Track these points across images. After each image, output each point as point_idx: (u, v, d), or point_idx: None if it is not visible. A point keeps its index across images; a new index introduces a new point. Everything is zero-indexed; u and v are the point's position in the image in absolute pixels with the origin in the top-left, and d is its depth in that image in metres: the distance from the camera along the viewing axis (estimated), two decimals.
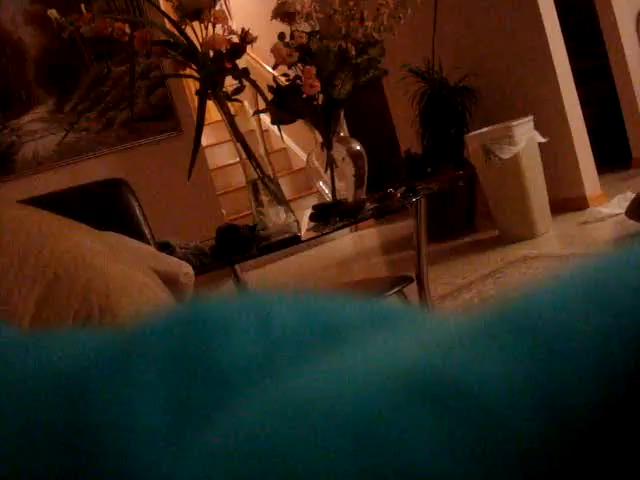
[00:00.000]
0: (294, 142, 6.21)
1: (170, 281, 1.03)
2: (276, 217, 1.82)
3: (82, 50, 4.58)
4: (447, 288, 3.18)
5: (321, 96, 2.00)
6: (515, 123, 3.56)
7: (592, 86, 4.73)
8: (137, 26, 1.82)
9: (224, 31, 1.79)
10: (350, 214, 1.91)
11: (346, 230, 5.43)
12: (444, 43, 4.40)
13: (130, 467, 0.16)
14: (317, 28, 2.01)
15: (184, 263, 1.15)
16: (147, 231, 1.57)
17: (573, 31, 4.53)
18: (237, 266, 2.15)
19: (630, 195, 3.45)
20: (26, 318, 0.69)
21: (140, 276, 0.85)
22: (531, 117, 3.66)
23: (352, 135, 2.25)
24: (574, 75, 3.97)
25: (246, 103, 1.87)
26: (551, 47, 3.86)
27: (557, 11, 3.94)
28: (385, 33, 2.00)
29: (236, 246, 1.77)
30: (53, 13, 1.69)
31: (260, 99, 1.85)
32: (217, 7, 1.76)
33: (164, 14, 1.90)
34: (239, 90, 1.82)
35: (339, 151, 2.08)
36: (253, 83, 1.80)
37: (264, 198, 1.85)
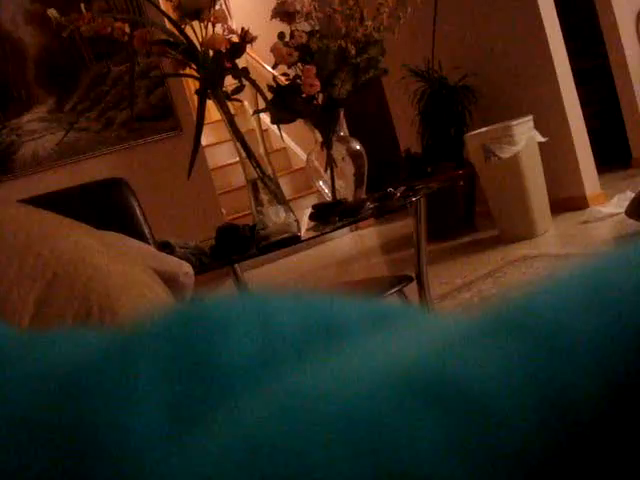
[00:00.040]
0: (294, 142, 6.21)
1: (170, 281, 1.03)
2: (276, 217, 1.82)
3: (82, 50, 4.58)
4: (447, 287, 3.18)
5: (321, 95, 2.00)
6: (515, 123, 3.56)
7: (592, 86, 4.73)
8: (137, 25, 1.82)
9: (224, 30, 1.79)
10: (350, 214, 1.91)
11: (346, 230, 5.43)
12: (444, 42, 4.40)
13: (130, 467, 0.16)
14: (317, 27, 2.01)
15: (184, 263, 1.15)
16: (147, 231, 1.57)
17: (573, 31, 4.53)
18: (237, 266, 2.15)
19: (630, 194, 3.45)
20: (25, 318, 0.69)
21: (140, 276, 0.85)
22: (531, 117, 3.66)
23: (352, 135, 2.25)
24: (574, 75, 3.97)
25: (246, 102, 1.87)
26: (551, 47, 3.86)
27: (557, 11, 3.94)
28: (385, 32, 2.00)
29: (236, 246, 1.77)
30: (53, 12, 1.69)
31: (260, 98, 1.85)
32: (217, 6, 1.76)
33: (164, 13, 1.90)
34: (239, 89, 1.82)
35: (339, 150, 2.08)
36: (253, 83, 1.80)
37: (264, 197, 1.86)
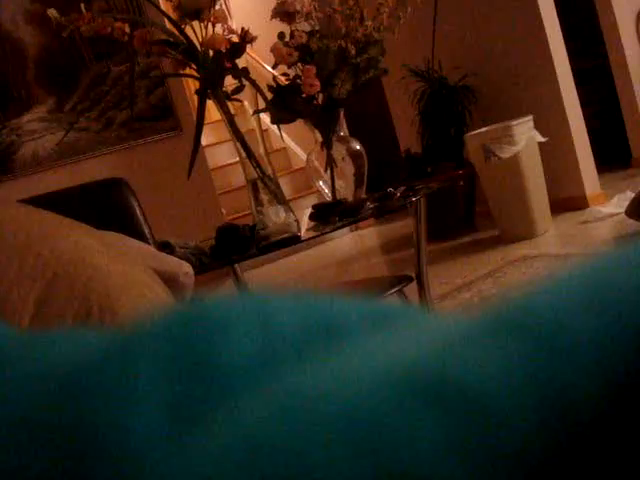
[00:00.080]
0: (294, 142, 6.21)
1: (170, 281, 1.03)
2: (276, 217, 1.82)
3: (82, 50, 4.58)
4: (447, 287, 3.18)
5: (321, 95, 2.00)
6: (515, 123, 3.56)
7: (592, 86, 4.73)
8: (137, 25, 1.82)
9: (224, 30, 1.79)
10: (350, 214, 1.91)
11: (346, 230, 5.43)
12: (444, 42, 4.40)
13: (130, 467, 0.16)
14: (317, 27, 2.01)
15: (184, 263, 1.15)
16: (147, 231, 1.57)
17: (573, 31, 4.53)
18: (237, 266, 2.15)
19: (630, 194, 3.45)
20: (25, 318, 0.69)
21: (140, 276, 0.85)
22: (531, 117, 3.66)
23: (352, 135, 2.25)
24: (574, 75, 3.98)
25: (246, 103, 1.87)
26: (551, 47, 3.86)
27: (557, 11, 3.94)
28: (385, 32, 2.00)
29: (236, 246, 1.77)
30: (53, 12, 1.69)
31: (260, 98, 1.85)
32: (217, 6, 1.76)
33: (164, 14, 1.90)
34: (239, 89, 1.82)
35: (339, 150, 2.08)
36: (253, 82, 1.80)
37: (264, 197, 1.85)
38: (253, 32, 1.82)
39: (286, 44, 1.93)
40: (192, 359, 0.19)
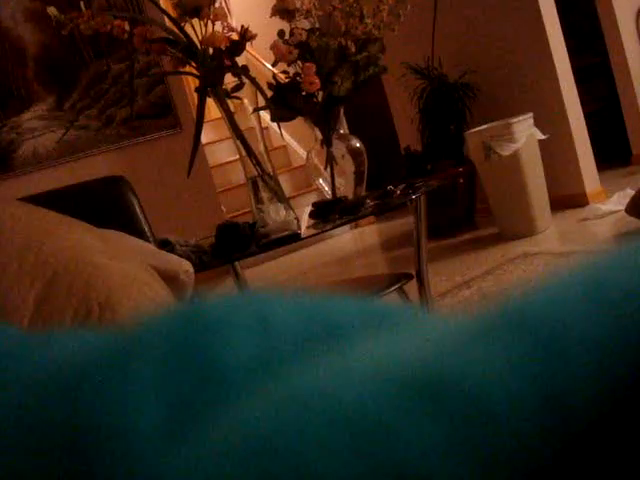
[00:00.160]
0: (294, 139, 6.21)
1: (170, 279, 1.03)
2: (276, 214, 1.82)
3: (82, 47, 4.57)
4: (447, 285, 3.18)
5: (321, 93, 2.00)
6: (515, 120, 3.56)
7: (592, 83, 4.73)
8: (136, 23, 1.81)
9: (223, 28, 1.79)
10: (350, 211, 1.91)
11: (346, 227, 5.43)
12: (444, 40, 4.40)
13: (130, 467, 0.16)
14: (317, 25, 2.01)
15: (184, 261, 1.15)
16: (147, 229, 1.57)
17: (573, 28, 4.53)
18: (237, 263, 2.15)
19: (630, 192, 3.45)
20: (25, 316, 0.69)
21: (140, 274, 0.85)
22: (531, 114, 3.66)
23: (352, 132, 2.25)
24: (574, 72, 3.97)
25: (246, 100, 1.87)
26: (551, 44, 3.86)
27: (557, 8, 3.94)
28: (385, 30, 2.00)
29: (236, 243, 1.77)
30: (52, 10, 1.69)
31: (260, 96, 1.85)
32: (216, 4, 1.76)
33: (163, 11, 1.90)
34: (239, 87, 1.82)
35: (339, 148, 2.08)
36: (253, 80, 1.80)
37: (264, 195, 1.85)
38: (253, 30, 1.82)
39: (286, 42, 1.93)
40: (192, 359, 0.19)
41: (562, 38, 3.93)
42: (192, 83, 5.29)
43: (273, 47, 1.93)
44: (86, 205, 1.47)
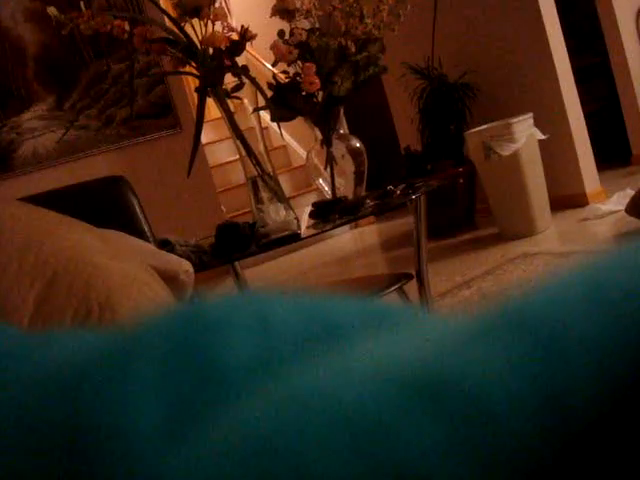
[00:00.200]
0: (294, 139, 6.21)
1: (170, 279, 1.03)
2: (276, 214, 1.82)
3: (81, 47, 4.57)
4: (447, 285, 3.18)
5: (321, 93, 2.00)
6: (515, 120, 3.56)
7: (592, 83, 4.73)
8: (136, 23, 1.81)
9: (223, 28, 1.79)
10: (350, 211, 1.91)
11: (346, 227, 5.43)
12: (444, 40, 4.40)
13: (130, 467, 0.16)
14: (317, 25, 2.01)
15: (184, 261, 1.15)
16: (147, 229, 1.57)
17: (573, 28, 4.53)
18: (237, 263, 2.15)
19: (630, 192, 3.45)
20: (25, 316, 0.69)
21: (140, 274, 0.85)
22: (531, 114, 3.66)
23: (352, 132, 2.25)
24: (574, 72, 3.97)
25: (246, 100, 1.87)
26: (551, 44, 3.86)
27: (557, 8, 3.94)
28: (385, 30, 2.00)
29: (236, 243, 1.77)
30: (52, 10, 1.69)
31: (260, 96, 1.85)
32: (216, 4, 1.76)
33: (163, 11, 1.90)
34: (239, 87, 1.82)
35: (339, 148, 2.08)
36: (253, 80, 1.80)
37: (264, 195, 1.85)
38: (253, 30, 1.82)
39: (286, 42, 1.93)
40: (192, 359, 0.19)
41: (562, 38, 3.93)
42: (192, 83, 5.29)
43: (273, 47, 1.93)
44: (86, 205, 1.47)
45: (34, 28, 4.47)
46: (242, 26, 1.81)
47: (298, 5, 1.94)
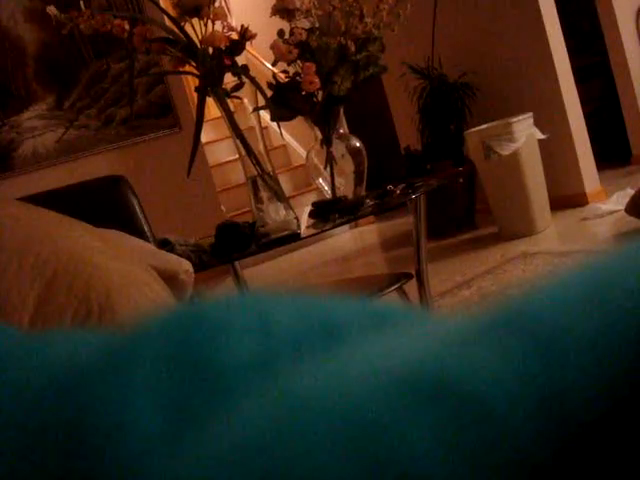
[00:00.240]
0: (294, 139, 6.21)
1: (170, 278, 1.03)
2: (276, 214, 1.82)
3: (81, 47, 4.57)
4: (447, 285, 3.18)
5: (321, 93, 2.00)
6: (515, 120, 3.56)
7: (592, 83, 4.73)
8: (136, 23, 1.81)
9: (223, 28, 1.79)
10: (350, 211, 1.91)
11: (346, 227, 5.43)
12: (444, 40, 4.40)
13: (130, 468, 0.16)
14: (317, 25, 2.01)
15: (184, 260, 1.15)
16: (147, 228, 1.57)
17: (573, 28, 4.53)
18: (237, 263, 2.15)
19: (630, 191, 3.45)
20: (25, 317, 0.69)
21: (140, 274, 0.85)
22: (531, 114, 3.66)
23: (352, 132, 2.25)
24: (574, 72, 3.97)
25: (245, 100, 1.87)
26: (551, 44, 3.86)
27: (557, 8, 3.94)
28: (384, 29, 2.00)
29: (236, 243, 1.77)
30: (52, 10, 1.69)
31: (260, 96, 1.85)
32: (216, 4, 1.76)
33: (163, 11, 1.90)
34: (238, 87, 1.82)
35: (339, 148, 2.08)
36: (252, 80, 1.80)
37: (264, 195, 1.85)
38: (253, 29, 1.82)
39: (286, 41, 1.93)
40: (191, 360, 0.19)
41: (562, 38, 3.93)
42: (192, 83, 5.29)
43: (273, 47, 1.93)
44: (86, 205, 1.47)
45: (34, 28, 4.47)
46: (242, 26, 1.81)
47: (298, 5, 1.94)
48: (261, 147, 1.88)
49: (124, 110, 4.68)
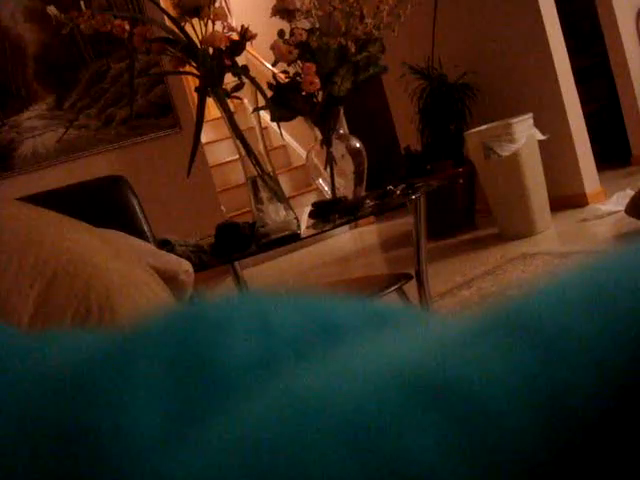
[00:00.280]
0: (294, 139, 6.21)
1: (170, 279, 1.03)
2: (276, 214, 1.82)
3: (81, 47, 4.57)
4: (446, 285, 3.18)
5: (321, 93, 2.00)
6: (515, 120, 3.56)
7: (592, 83, 4.73)
8: (136, 23, 1.81)
9: (223, 28, 1.79)
10: (350, 211, 1.91)
11: (346, 227, 5.43)
12: (444, 40, 4.40)
13: (130, 468, 0.16)
14: (317, 25, 2.01)
15: (184, 261, 1.15)
16: (147, 228, 1.57)
17: (573, 28, 4.53)
18: (237, 263, 2.15)
19: (629, 192, 3.45)
20: (25, 317, 0.69)
21: (140, 274, 0.85)
22: (531, 114, 3.66)
23: (352, 132, 2.25)
24: (574, 72, 3.97)
25: (246, 100, 1.87)
26: (551, 44, 3.86)
27: (557, 8, 3.94)
28: (385, 30, 2.00)
29: (236, 243, 1.77)
30: (52, 10, 1.69)
31: (260, 96, 1.85)
32: (216, 4, 1.76)
33: (163, 11, 1.90)
34: (238, 87, 1.82)
35: (339, 148, 2.08)
36: (252, 80, 1.80)
37: (264, 195, 1.85)
38: (253, 30, 1.82)
39: (286, 42, 1.93)
40: (191, 360, 0.19)
41: (562, 38, 3.93)
42: (192, 83, 5.29)
43: (273, 47, 1.93)
44: (86, 205, 1.47)
45: (34, 27, 4.47)
46: (242, 26, 1.81)
47: (298, 5, 1.94)
48: (261, 147, 1.88)
49: (124, 110, 4.68)
